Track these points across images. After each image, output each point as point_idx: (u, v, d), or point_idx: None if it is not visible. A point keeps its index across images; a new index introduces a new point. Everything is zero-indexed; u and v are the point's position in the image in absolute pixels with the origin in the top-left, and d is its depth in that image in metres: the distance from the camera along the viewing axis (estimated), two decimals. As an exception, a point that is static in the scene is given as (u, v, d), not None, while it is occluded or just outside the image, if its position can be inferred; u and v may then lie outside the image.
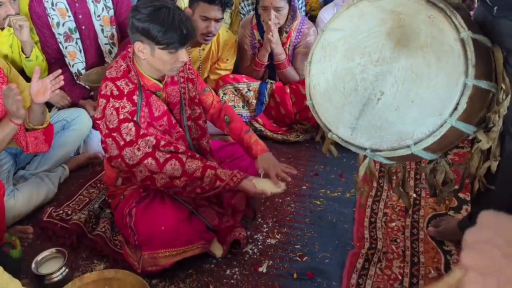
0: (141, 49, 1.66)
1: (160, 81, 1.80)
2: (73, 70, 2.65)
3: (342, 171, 2.39)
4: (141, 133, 1.71)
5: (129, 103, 1.71)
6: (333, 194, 2.26)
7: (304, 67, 1.48)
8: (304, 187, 2.30)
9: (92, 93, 2.67)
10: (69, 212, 2.11)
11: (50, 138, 2.20)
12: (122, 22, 2.69)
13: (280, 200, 2.22)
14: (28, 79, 2.34)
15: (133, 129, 1.70)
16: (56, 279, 1.75)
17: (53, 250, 1.85)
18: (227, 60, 2.72)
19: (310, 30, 2.64)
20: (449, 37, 1.17)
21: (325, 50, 1.35)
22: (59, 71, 2.01)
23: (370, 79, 1.26)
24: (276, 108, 2.67)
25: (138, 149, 1.70)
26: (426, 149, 1.22)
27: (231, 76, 2.69)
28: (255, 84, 2.68)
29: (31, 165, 2.33)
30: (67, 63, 2.63)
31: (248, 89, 2.67)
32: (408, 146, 1.20)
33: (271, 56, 2.62)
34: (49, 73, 2.61)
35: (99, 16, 2.60)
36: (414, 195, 2.20)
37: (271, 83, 2.68)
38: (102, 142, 1.79)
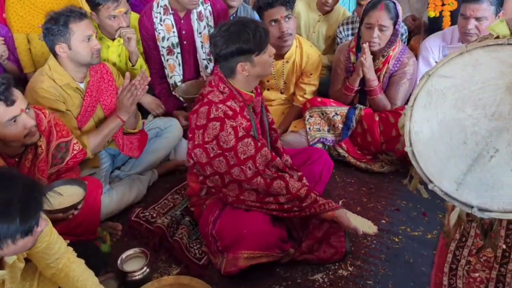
0: (245, 68, 1.85)
1: (252, 92, 1.98)
2: (171, 81, 2.84)
3: (426, 210, 2.28)
4: (258, 145, 1.89)
5: (243, 119, 1.89)
6: (413, 233, 2.16)
7: (404, 110, 1.40)
8: (383, 221, 2.23)
9: (185, 105, 2.83)
10: (154, 215, 2.25)
11: (142, 146, 2.40)
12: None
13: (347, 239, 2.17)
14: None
15: (252, 143, 1.87)
16: (137, 277, 1.90)
17: (137, 249, 2.00)
18: (311, 74, 2.74)
19: (410, 60, 2.55)
20: None
21: (431, 96, 1.29)
22: (144, 70, 2.25)
23: (482, 133, 1.17)
24: (362, 134, 2.62)
25: (249, 168, 1.85)
26: None
27: (319, 99, 2.68)
28: (343, 109, 2.65)
29: (126, 166, 2.53)
30: (166, 75, 2.82)
31: (336, 113, 2.65)
32: None
33: (363, 82, 2.58)
34: (151, 81, 2.83)
35: (200, 33, 2.76)
36: (504, 246, 2.04)
37: (360, 108, 2.63)
38: (205, 164, 1.90)
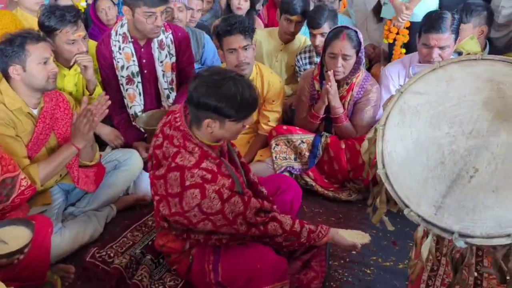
0: (211, 125, 1.64)
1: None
2: (131, 111, 2.73)
3: (396, 238, 2.23)
4: (246, 199, 1.71)
5: (224, 178, 1.69)
6: (384, 264, 2.10)
7: (374, 130, 1.34)
8: (354, 252, 2.15)
9: (145, 136, 2.71)
10: (112, 255, 2.09)
11: (99, 179, 2.26)
12: (182, 69, 2.77)
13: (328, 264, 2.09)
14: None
15: (240, 201, 1.69)
16: (91, 326, 1.72)
17: (91, 294, 1.83)
18: (273, 101, 2.71)
19: (374, 87, 2.56)
20: None
21: (404, 114, 1.22)
22: (104, 93, 2.12)
23: (461, 152, 1.11)
24: (329, 162, 2.58)
25: (241, 224, 1.69)
26: None
27: (285, 127, 2.64)
28: (309, 137, 2.61)
29: (81, 202, 2.36)
30: (126, 105, 2.71)
31: (302, 141, 2.60)
32: (509, 235, 1.03)
33: (328, 109, 2.56)
34: (109, 112, 2.72)
35: (162, 62, 2.68)
36: (476, 274, 2.00)
37: (326, 136, 2.60)
38: (188, 225, 1.70)
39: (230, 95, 1.58)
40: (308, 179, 2.61)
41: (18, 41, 1.95)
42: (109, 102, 2.08)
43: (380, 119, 1.27)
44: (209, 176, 1.63)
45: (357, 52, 2.45)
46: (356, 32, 2.45)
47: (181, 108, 1.75)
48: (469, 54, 1.25)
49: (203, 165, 1.64)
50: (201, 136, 1.70)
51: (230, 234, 1.73)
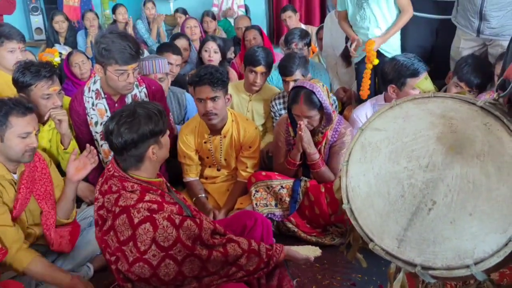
0: (154, 151, 1.72)
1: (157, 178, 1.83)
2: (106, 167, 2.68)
3: (382, 282, 2.20)
4: (198, 221, 1.71)
5: (170, 205, 1.70)
6: (373, 309, 2.06)
7: (341, 166, 1.38)
8: (340, 300, 2.13)
9: (123, 190, 2.66)
10: (89, 321, 1.99)
11: (74, 238, 2.21)
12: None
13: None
14: (63, 173, 2.38)
15: (192, 223, 1.69)
16: None
17: None
18: (250, 147, 2.73)
19: (347, 130, 2.59)
20: (510, 147, 1.09)
21: (365, 150, 1.26)
22: (90, 146, 2.23)
23: (419, 185, 1.15)
24: (310, 207, 2.56)
25: (201, 249, 1.67)
26: (485, 270, 1.05)
27: (264, 173, 2.64)
28: (289, 182, 2.61)
29: (55, 264, 2.25)
30: (101, 160, 2.67)
31: (282, 186, 2.59)
32: (468, 266, 1.04)
33: (305, 156, 2.57)
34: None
35: (136, 115, 2.68)
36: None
37: (305, 180, 2.60)
38: (150, 277, 1.62)
39: (148, 114, 1.69)
40: (290, 226, 2.58)
41: (3, 111, 1.91)
42: (95, 151, 2.18)
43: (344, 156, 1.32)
44: (155, 206, 1.64)
45: (320, 109, 2.44)
46: (314, 92, 2.40)
47: (112, 161, 1.78)
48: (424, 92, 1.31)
49: (146, 198, 1.65)
50: (143, 173, 1.73)
51: (197, 282, 1.68)
